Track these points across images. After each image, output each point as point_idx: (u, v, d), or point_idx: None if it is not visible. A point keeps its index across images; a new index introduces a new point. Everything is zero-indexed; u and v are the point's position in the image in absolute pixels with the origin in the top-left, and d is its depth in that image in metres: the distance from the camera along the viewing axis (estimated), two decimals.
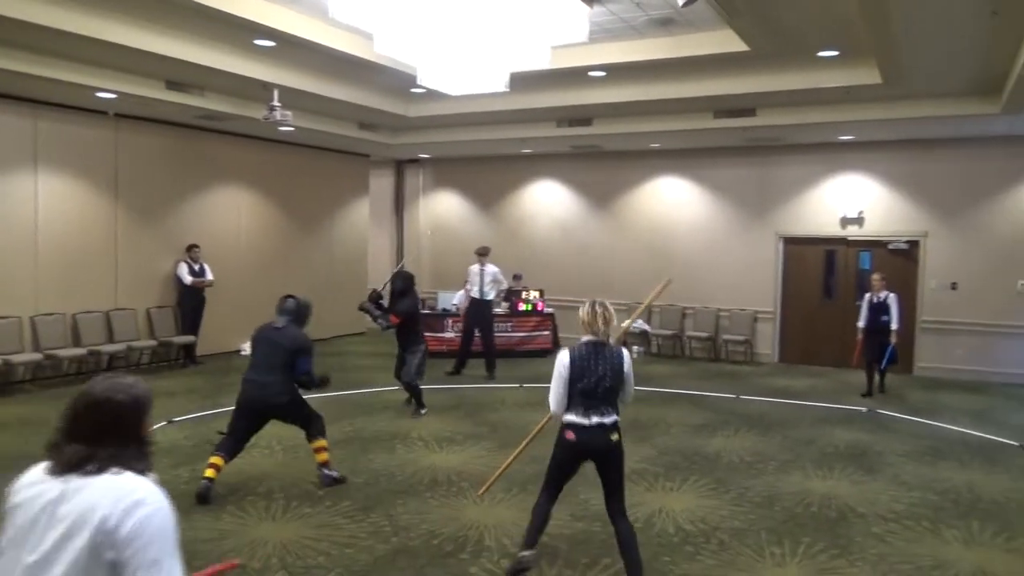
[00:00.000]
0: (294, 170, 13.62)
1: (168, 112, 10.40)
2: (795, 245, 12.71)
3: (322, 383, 6.05)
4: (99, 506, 1.84)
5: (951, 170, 11.57)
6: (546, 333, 13.01)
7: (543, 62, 7.61)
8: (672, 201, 13.61)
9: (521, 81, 9.42)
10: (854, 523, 5.43)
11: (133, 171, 10.92)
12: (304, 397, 6.05)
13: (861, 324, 10.04)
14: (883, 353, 9.78)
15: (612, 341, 4.38)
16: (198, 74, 8.90)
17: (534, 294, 13.02)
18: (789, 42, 7.91)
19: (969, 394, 10.26)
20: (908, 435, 7.99)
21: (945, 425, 8.47)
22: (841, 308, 12.30)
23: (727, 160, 13.08)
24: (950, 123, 10.20)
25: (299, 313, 6.18)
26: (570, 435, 4.31)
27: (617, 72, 9.34)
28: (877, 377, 10.03)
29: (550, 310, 13.18)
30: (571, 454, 4.38)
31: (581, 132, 11.84)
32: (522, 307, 12.90)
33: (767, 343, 12.79)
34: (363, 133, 12.63)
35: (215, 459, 5.69)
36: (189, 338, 11.21)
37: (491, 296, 10.98)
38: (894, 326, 9.73)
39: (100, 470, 1.90)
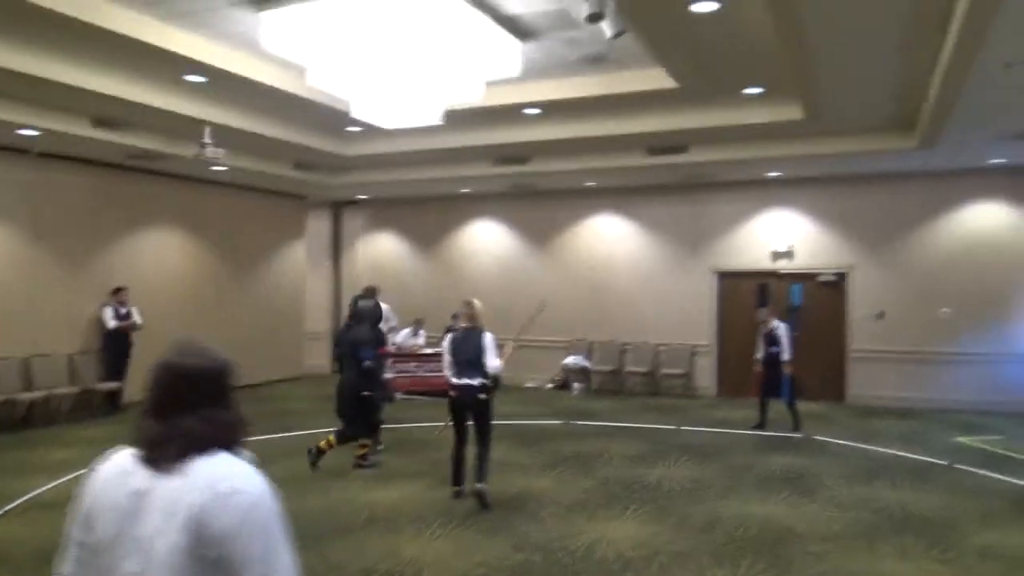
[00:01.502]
0: (228, 212, 13.39)
1: (95, 151, 10.14)
2: (729, 279, 12.98)
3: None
4: (191, 497, 1.58)
5: (874, 205, 12.04)
6: None
7: (477, 97, 7.73)
8: (609, 238, 13.80)
9: (457, 119, 9.52)
10: (793, 543, 5.44)
11: (57, 212, 10.57)
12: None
13: (758, 356, 9.97)
14: (780, 385, 9.68)
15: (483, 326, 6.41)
16: (126, 110, 8.70)
17: None
18: (716, 80, 8.17)
19: (899, 419, 10.52)
20: (843, 459, 8.13)
21: (878, 448, 8.65)
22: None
23: (662, 197, 13.36)
24: (871, 159, 10.64)
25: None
26: (452, 392, 6.33)
27: (552, 109, 9.49)
28: (789, 411, 9.74)
29: None
30: (453, 405, 6.37)
31: (518, 170, 11.95)
32: None
33: (705, 376, 12.94)
34: (299, 173, 12.51)
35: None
36: (114, 384, 10.75)
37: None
38: (785, 356, 9.62)
39: (184, 451, 1.64)
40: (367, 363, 7.55)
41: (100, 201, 11.15)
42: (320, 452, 7.49)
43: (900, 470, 7.62)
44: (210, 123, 9.06)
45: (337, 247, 16.38)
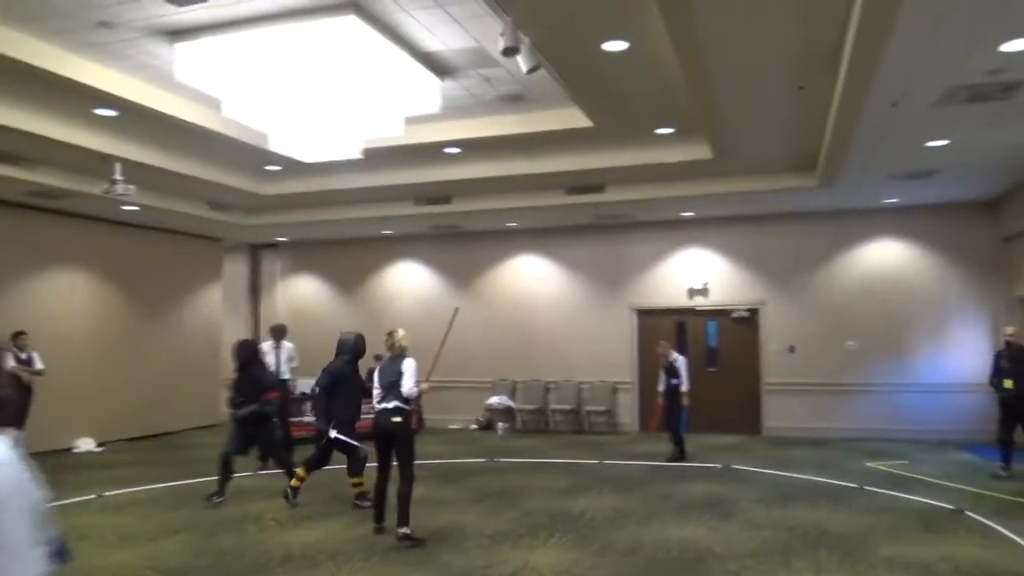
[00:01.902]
0: (140, 254, 12.96)
1: None
2: (648, 317, 13.27)
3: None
4: None
5: (784, 243, 12.59)
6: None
7: (397, 134, 7.80)
8: (531, 278, 13.96)
9: (378, 157, 9.57)
10: (711, 563, 5.52)
11: None
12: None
13: (660, 389, 10.17)
14: (679, 417, 9.89)
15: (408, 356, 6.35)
16: (29, 144, 8.39)
17: None
18: (629, 119, 8.47)
19: (812, 447, 10.87)
20: (759, 485, 8.32)
21: (792, 474, 8.90)
22: (693, 376, 12.80)
23: (581, 238, 13.64)
24: (776, 197, 11.15)
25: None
26: (374, 418, 6.27)
27: (472, 148, 9.64)
28: (674, 442, 9.97)
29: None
30: (374, 432, 6.32)
31: (439, 210, 12.03)
32: None
33: (628, 413, 13.10)
34: (214, 213, 12.25)
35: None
36: (13, 433, 10.13)
37: (287, 375, 10.44)
38: (684, 388, 9.86)
39: None
40: (314, 389, 7.63)
41: None
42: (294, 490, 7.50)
43: (814, 493, 7.86)
44: (120, 159, 8.81)
45: (256, 290, 16.03)
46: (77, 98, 7.43)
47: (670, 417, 10.00)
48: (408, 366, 6.25)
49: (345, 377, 7.33)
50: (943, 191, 10.78)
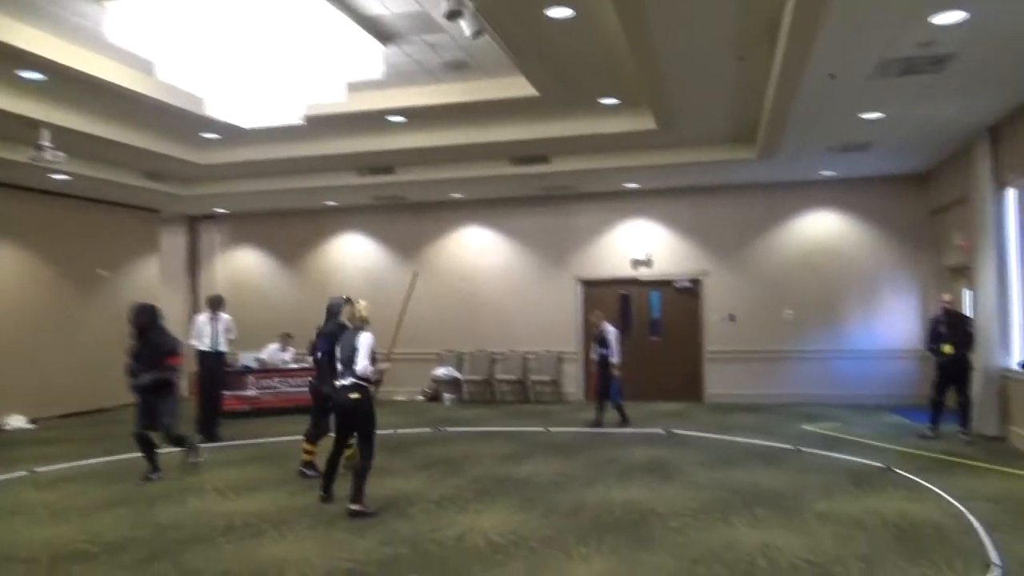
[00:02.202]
0: (72, 224, 12.50)
1: None
2: (593, 287, 13.40)
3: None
4: None
5: (725, 214, 12.82)
6: None
7: (339, 99, 7.65)
8: (477, 250, 13.95)
9: (320, 125, 9.41)
10: (653, 522, 5.66)
11: None
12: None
13: (593, 358, 10.42)
14: (609, 385, 10.14)
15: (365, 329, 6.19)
16: None
17: None
18: (574, 89, 8.49)
19: (751, 413, 11.19)
20: (700, 449, 8.54)
21: (732, 438, 9.15)
22: (636, 346, 13.05)
23: (526, 209, 13.66)
24: (718, 169, 11.34)
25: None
26: (335, 394, 6.18)
27: (416, 117, 9.53)
28: (615, 410, 10.22)
29: None
30: (333, 407, 6.32)
31: (383, 180, 11.89)
32: None
33: (573, 382, 13.26)
34: (150, 183, 11.88)
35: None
36: None
37: (224, 347, 10.04)
38: (613, 359, 10.10)
39: None
40: (317, 355, 7.57)
41: None
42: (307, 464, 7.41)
43: (752, 455, 8.10)
44: (49, 124, 8.46)
45: (194, 263, 15.65)
46: (1, 60, 7.09)
47: (600, 385, 10.19)
48: (363, 342, 6.06)
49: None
50: (877, 164, 11.10)
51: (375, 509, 6.02)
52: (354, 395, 6.02)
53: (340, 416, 6.24)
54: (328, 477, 6.38)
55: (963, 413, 8.73)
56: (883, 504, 6.02)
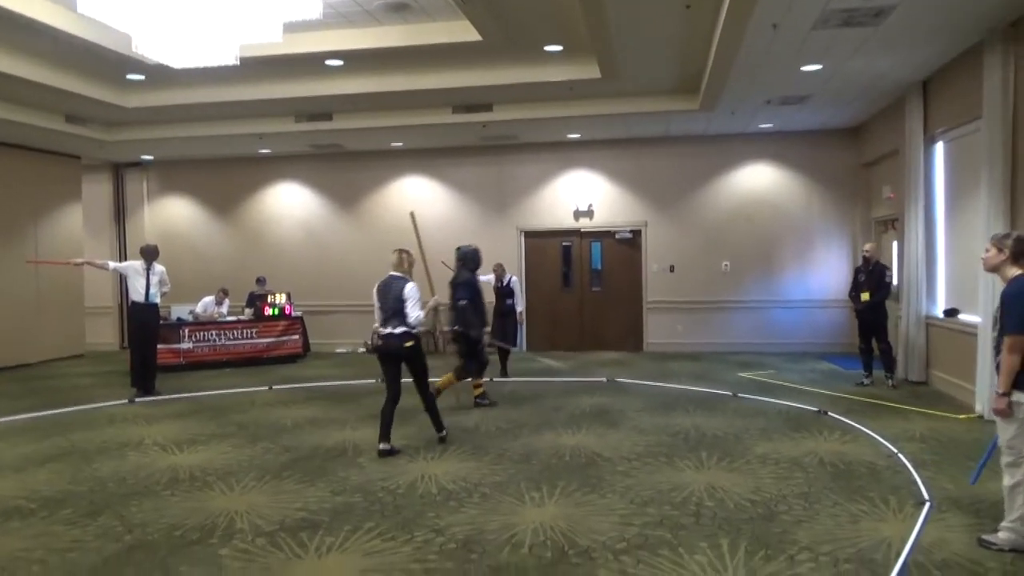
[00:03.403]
0: None
1: None
2: (535, 238, 13.41)
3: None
4: None
5: (666, 166, 12.92)
6: (295, 337, 12.46)
7: (275, 39, 7.30)
8: (418, 200, 13.71)
9: (255, 67, 9.04)
10: (602, 466, 5.77)
11: None
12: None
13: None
14: (514, 334, 10.41)
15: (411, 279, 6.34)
16: None
17: (280, 297, 12.44)
18: (519, 34, 8.33)
19: (691, 361, 11.47)
20: (642, 396, 8.72)
21: (672, 385, 9.37)
22: (578, 296, 13.19)
23: (468, 159, 13.50)
24: (660, 120, 11.38)
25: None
26: (378, 341, 6.34)
27: (354, 61, 9.24)
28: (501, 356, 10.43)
29: (299, 313, 12.69)
30: (380, 355, 6.39)
31: (321, 127, 11.54)
32: (268, 312, 12.26)
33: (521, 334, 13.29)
34: (71, 127, 11.24)
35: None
36: None
37: (157, 299, 9.61)
38: (519, 308, 10.49)
39: None
40: (461, 303, 7.90)
41: None
42: (438, 392, 7.64)
43: (693, 401, 8.31)
44: None
45: (120, 213, 14.99)
46: None
47: (500, 335, 10.34)
48: (410, 293, 6.16)
49: (479, 288, 8.14)
50: (812, 117, 11.31)
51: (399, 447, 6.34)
52: (408, 343, 6.21)
53: (393, 362, 6.29)
54: (386, 427, 6.25)
55: (886, 360, 9.07)
56: (819, 446, 6.26)
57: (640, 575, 3.77)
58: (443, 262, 9.25)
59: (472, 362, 8.08)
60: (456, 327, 8.10)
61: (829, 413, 7.51)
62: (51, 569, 3.98)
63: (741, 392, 8.77)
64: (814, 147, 12.42)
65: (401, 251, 6.50)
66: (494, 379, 10.08)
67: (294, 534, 4.41)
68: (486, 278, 10.54)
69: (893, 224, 10.75)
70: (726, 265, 12.74)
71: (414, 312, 6.14)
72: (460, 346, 8.15)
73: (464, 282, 8.03)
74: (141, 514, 4.82)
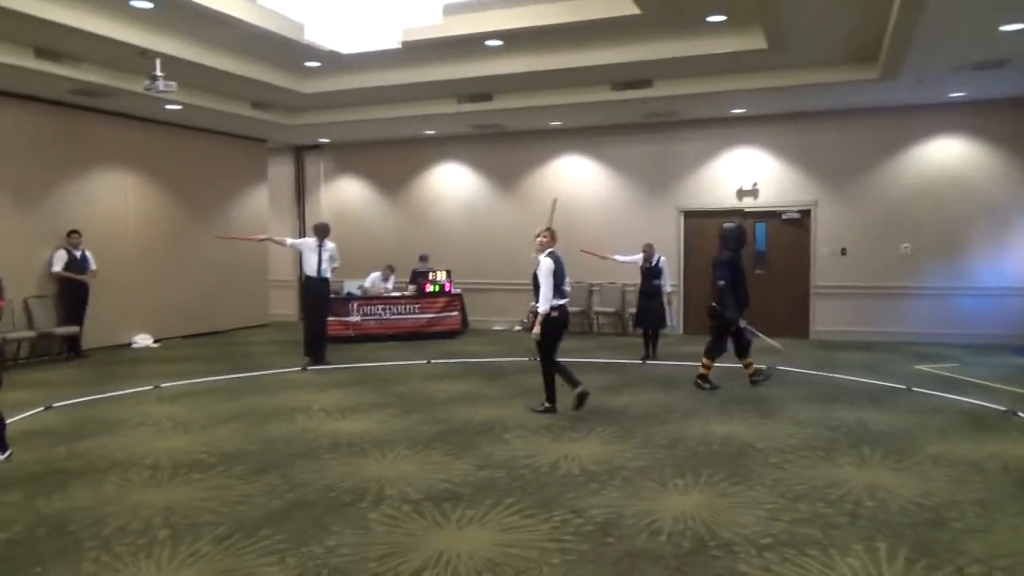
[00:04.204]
0: (186, 154, 13.01)
1: (39, 86, 9.73)
2: (695, 219, 12.99)
3: None
4: None
5: (837, 141, 12.07)
6: (455, 314, 12.87)
7: (435, 21, 7.52)
8: (575, 179, 13.72)
9: (417, 51, 9.35)
10: (753, 456, 5.52)
11: (1, 152, 10.17)
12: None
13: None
14: (661, 316, 10.44)
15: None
16: (70, 39, 8.32)
17: (441, 275, 12.88)
18: (679, 5, 8.02)
19: (861, 351, 10.72)
20: (804, 385, 8.26)
21: (838, 376, 8.80)
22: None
23: (627, 137, 13.28)
24: (833, 93, 10.61)
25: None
26: (555, 314, 6.91)
27: (513, 41, 9.32)
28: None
29: (458, 291, 13.09)
30: (560, 325, 7.00)
31: (482, 108, 11.76)
32: (429, 288, 12.74)
33: (671, 314, 12.98)
34: (256, 112, 12.17)
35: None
36: (72, 329, 10.52)
37: (328, 274, 10.13)
38: (667, 288, 10.53)
39: None
40: (720, 283, 7.95)
41: (47, 142, 10.70)
42: (703, 377, 8.05)
43: (860, 394, 7.77)
44: (159, 54, 8.70)
45: (300, 193, 16.11)
46: None
47: (647, 315, 10.53)
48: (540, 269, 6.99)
49: (741, 268, 8.09)
50: (1013, 84, 10.12)
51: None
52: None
53: (563, 331, 7.07)
54: (571, 375, 7.09)
55: None
56: (1004, 449, 5.66)
57: (784, 573, 3.58)
58: (582, 250, 9.30)
59: (720, 343, 8.06)
60: (714, 304, 8.11)
61: (1020, 414, 6.77)
62: (222, 518, 4.37)
63: (917, 386, 8.08)
64: (1015, 117, 11.12)
65: (549, 230, 7.19)
66: (647, 361, 9.95)
67: (438, 504, 4.57)
68: (634, 258, 10.44)
69: None
70: (906, 248, 11.75)
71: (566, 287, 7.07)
72: (714, 324, 8.15)
73: (725, 261, 7.99)
74: (303, 475, 5.18)
